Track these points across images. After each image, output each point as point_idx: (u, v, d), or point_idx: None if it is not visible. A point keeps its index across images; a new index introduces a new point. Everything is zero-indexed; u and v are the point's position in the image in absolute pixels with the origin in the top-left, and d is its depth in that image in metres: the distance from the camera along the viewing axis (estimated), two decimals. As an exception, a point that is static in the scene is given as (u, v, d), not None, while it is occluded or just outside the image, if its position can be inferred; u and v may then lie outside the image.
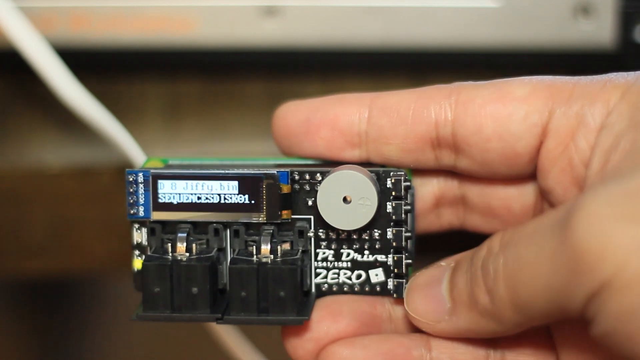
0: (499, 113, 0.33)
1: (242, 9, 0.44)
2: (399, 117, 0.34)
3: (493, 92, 0.33)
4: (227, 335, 0.43)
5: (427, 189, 0.36)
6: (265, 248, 0.33)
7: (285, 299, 0.32)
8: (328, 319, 0.34)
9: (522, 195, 0.35)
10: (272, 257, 0.33)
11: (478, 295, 0.31)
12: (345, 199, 0.33)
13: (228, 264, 0.33)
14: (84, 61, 0.43)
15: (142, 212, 0.34)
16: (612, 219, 0.27)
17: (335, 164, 0.34)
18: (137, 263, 0.34)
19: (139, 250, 0.35)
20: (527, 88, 0.33)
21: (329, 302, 0.34)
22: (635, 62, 0.44)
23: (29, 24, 0.39)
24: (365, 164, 0.34)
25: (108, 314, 1.07)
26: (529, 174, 0.34)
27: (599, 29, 0.44)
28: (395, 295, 0.34)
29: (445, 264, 0.33)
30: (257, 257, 0.33)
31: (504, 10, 0.44)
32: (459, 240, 0.36)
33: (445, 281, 0.32)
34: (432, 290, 0.32)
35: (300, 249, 0.34)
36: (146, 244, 0.34)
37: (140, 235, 0.34)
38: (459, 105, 0.33)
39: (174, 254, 0.33)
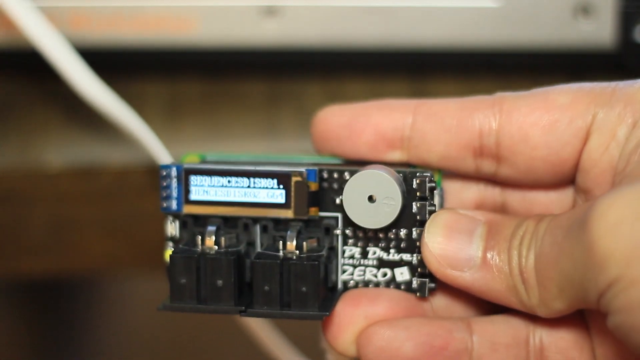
0: (545, 121, 0.33)
1: (242, 9, 0.44)
2: (443, 125, 0.34)
3: (536, 101, 0.34)
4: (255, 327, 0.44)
5: (467, 195, 0.36)
6: (291, 244, 0.34)
7: (307, 294, 0.33)
8: (366, 302, 0.34)
9: (562, 200, 0.35)
10: (298, 253, 0.34)
11: (513, 271, 0.32)
12: (370, 198, 0.33)
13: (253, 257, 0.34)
14: (84, 61, 0.43)
15: (175, 206, 0.35)
16: (621, 220, 0.28)
17: (364, 162, 0.35)
18: (169, 253, 0.35)
19: (172, 242, 0.36)
20: (569, 95, 0.34)
21: (366, 289, 0.35)
22: (635, 62, 0.44)
23: (48, 23, 0.40)
24: (402, 164, 0.35)
25: (108, 314, 1.08)
26: (571, 179, 0.35)
27: (599, 29, 0.44)
28: (418, 294, 0.35)
29: (472, 215, 0.34)
30: (283, 252, 0.34)
31: (504, 10, 0.44)
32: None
33: (478, 238, 0.33)
34: (459, 238, 0.33)
35: (326, 246, 0.34)
36: (179, 236, 0.35)
37: (173, 228, 0.35)
38: (504, 115, 0.34)
39: (203, 246, 0.34)
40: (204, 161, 0.36)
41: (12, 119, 0.46)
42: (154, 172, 0.43)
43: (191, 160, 0.36)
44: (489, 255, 0.33)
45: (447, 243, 0.33)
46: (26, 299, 1.03)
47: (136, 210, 0.44)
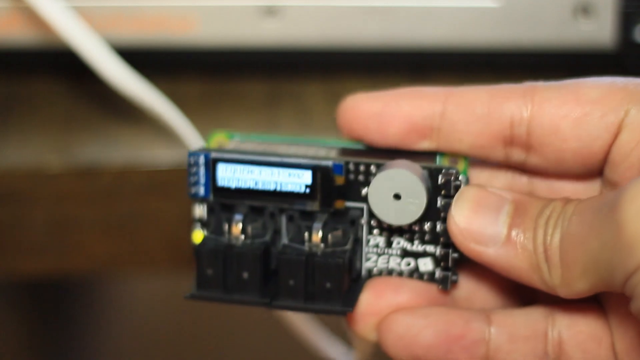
0: (576, 114, 0.34)
1: (242, 9, 0.44)
2: (474, 115, 0.35)
3: (567, 93, 0.34)
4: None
5: (495, 183, 0.36)
6: (317, 235, 0.34)
7: (331, 290, 0.34)
8: (388, 292, 0.35)
9: (588, 190, 0.35)
10: (323, 246, 0.34)
11: (537, 249, 0.32)
12: (396, 195, 0.34)
13: (278, 251, 0.35)
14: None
15: (202, 192, 0.35)
16: None
17: (392, 150, 0.35)
18: (197, 235, 0.36)
19: (201, 224, 0.36)
20: (600, 90, 0.34)
21: (389, 278, 0.35)
22: (635, 62, 0.44)
23: (82, 23, 0.41)
24: (430, 152, 0.35)
25: (108, 314, 1.08)
26: (599, 171, 0.35)
27: (599, 29, 0.44)
28: (440, 287, 0.35)
29: (499, 193, 0.34)
30: (308, 244, 0.34)
31: (504, 10, 0.44)
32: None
33: (504, 215, 0.33)
34: (486, 213, 0.33)
35: (352, 236, 0.35)
36: (206, 219, 0.36)
37: (201, 211, 0.36)
38: (535, 106, 0.34)
39: (230, 235, 0.35)
40: (231, 141, 0.36)
41: (12, 119, 0.46)
42: (154, 173, 0.43)
43: (219, 138, 0.37)
44: (513, 233, 0.33)
45: (473, 217, 0.33)
46: (26, 299, 1.03)
47: (136, 210, 0.44)
